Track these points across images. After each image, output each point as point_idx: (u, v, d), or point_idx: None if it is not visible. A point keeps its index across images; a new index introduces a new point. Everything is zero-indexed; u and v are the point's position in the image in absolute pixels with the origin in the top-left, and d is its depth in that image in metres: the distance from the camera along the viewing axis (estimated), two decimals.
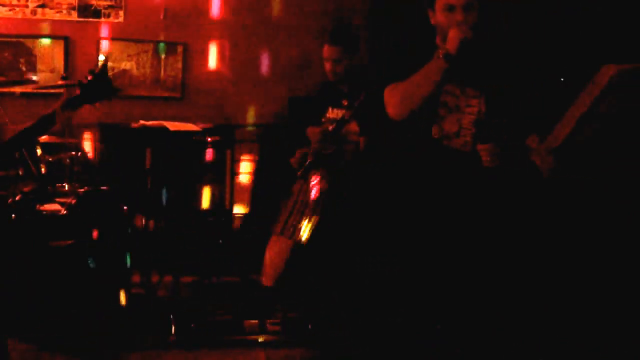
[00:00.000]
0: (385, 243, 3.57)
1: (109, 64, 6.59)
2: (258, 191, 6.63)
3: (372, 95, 3.71)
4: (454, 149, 3.32)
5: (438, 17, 3.29)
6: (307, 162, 4.89)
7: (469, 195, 3.32)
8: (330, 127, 4.78)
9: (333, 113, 4.99)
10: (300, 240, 4.83)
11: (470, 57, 3.28)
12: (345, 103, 4.67)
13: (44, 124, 3.29)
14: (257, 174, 6.69)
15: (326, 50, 4.93)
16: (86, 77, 3.40)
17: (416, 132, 3.40)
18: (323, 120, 5.02)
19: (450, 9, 3.25)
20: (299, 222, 4.88)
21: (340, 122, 4.73)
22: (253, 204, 6.63)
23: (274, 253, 4.97)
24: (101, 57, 6.57)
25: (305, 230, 4.84)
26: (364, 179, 4.46)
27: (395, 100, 3.37)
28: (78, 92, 3.41)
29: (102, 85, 3.44)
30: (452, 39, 3.14)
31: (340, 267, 4.33)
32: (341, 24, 5.53)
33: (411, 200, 3.46)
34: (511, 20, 5.03)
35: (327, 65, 4.93)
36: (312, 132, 4.97)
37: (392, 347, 3.51)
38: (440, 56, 3.18)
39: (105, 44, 6.61)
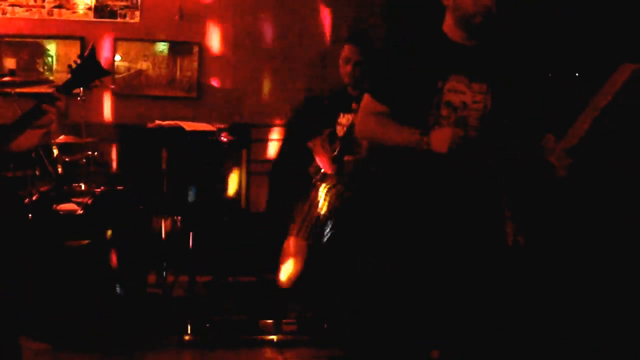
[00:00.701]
0: (389, 243, 3.56)
1: (126, 64, 6.60)
2: (274, 191, 6.63)
3: None
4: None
5: None
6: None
7: (472, 190, 3.30)
8: (335, 152, 4.85)
9: (344, 118, 5.03)
10: (317, 243, 4.84)
11: (479, 55, 3.27)
12: (355, 107, 4.67)
13: (37, 111, 3.35)
14: (273, 173, 6.68)
15: (346, 49, 4.94)
16: (75, 62, 3.48)
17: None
18: (336, 125, 5.05)
19: None
20: (315, 225, 4.89)
21: (350, 128, 4.77)
22: (269, 204, 6.63)
23: (290, 254, 4.97)
24: (117, 58, 6.58)
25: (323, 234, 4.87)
26: (369, 181, 4.45)
27: (367, 133, 3.49)
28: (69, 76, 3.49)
29: (91, 67, 3.52)
30: (443, 141, 3.14)
31: (350, 267, 4.32)
32: (360, 28, 5.53)
33: (411, 200, 3.45)
34: (519, 18, 5.02)
35: (345, 67, 4.94)
36: (313, 145, 5.01)
37: (395, 347, 3.50)
38: (424, 145, 3.18)
39: (120, 44, 6.62)
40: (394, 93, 3.29)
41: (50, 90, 3.52)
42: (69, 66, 3.55)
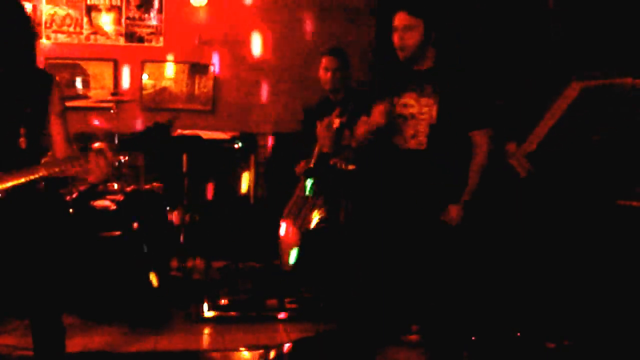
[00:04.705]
0: (364, 231, 3.62)
1: (152, 82, 6.61)
2: (275, 189, 6.64)
3: (360, 106, 3.76)
4: (411, 149, 3.36)
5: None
6: (308, 166, 4.91)
7: (424, 184, 3.36)
8: (335, 125, 4.79)
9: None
10: (305, 228, 4.84)
11: (429, 75, 3.36)
12: (337, 111, 4.66)
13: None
14: (274, 175, 6.69)
15: (325, 60, 4.92)
16: (149, 126, 3.16)
17: (382, 142, 3.46)
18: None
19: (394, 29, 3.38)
20: (299, 213, 4.90)
21: (340, 127, 4.75)
22: (273, 200, 6.64)
23: (285, 240, 4.97)
24: (144, 77, 6.59)
25: (310, 220, 4.85)
26: (353, 178, 4.48)
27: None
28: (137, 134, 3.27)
29: (159, 135, 3.19)
30: (381, 114, 3.29)
31: (341, 252, 4.33)
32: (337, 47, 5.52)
33: (379, 194, 3.51)
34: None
35: (325, 76, 4.91)
36: (320, 128, 4.98)
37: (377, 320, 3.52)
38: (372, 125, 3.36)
39: (147, 65, 6.63)
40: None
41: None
42: (147, 127, 3.22)
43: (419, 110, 3.32)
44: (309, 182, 4.87)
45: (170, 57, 6.66)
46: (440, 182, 3.36)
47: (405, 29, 3.32)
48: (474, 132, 3.36)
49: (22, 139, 2.89)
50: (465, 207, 3.36)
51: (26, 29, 2.96)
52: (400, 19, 3.34)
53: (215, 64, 6.74)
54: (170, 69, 6.69)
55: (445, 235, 3.39)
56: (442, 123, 3.30)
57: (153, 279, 4.80)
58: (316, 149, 4.72)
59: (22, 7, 2.98)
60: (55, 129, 3.03)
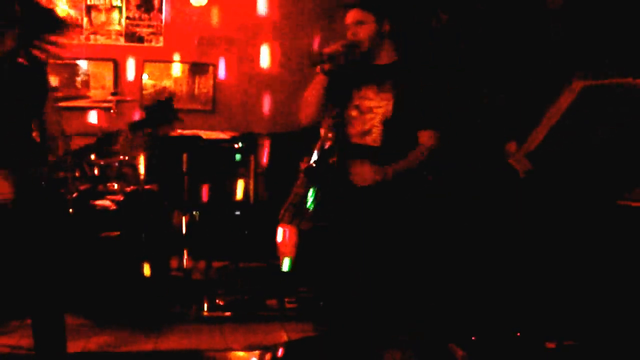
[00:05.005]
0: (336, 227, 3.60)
1: (152, 81, 6.61)
2: (276, 188, 6.64)
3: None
4: (365, 145, 3.33)
5: None
6: (309, 165, 4.91)
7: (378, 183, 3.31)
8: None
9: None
10: (299, 226, 4.84)
11: (388, 71, 3.33)
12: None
13: (109, 139, 3.25)
14: (274, 174, 6.69)
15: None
16: (152, 104, 3.31)
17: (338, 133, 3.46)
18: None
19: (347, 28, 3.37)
20: (293, 211, 4.89)
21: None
22: (273, 199, 6.64)
23: (282, 241, 4.96)
24: (144, 76, 6.59)
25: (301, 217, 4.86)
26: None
27: (299, 109, 3.45)
28: (144, 115, 3.30)
29: (165, 112, 3.33)
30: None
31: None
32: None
33: (340, 189, 3.49)
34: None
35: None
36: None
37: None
38: (319, 71, 3.29)
39: (147, 65, 6.63)
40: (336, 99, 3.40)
41: (86, 103, 3.43)
42: (145, 106, 3.32)
43: (377, 104, 3.31)
44: (311, 192, 4.88)
45: (170, 57, 6.66)
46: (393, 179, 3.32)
47: (356, 25, 3.32)
48: (420, 131, 3.32)
49: (35, 133, 3.11)
50: (379, 176, 3.23)
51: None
52: (351, 16, 3.35)
53: (217, 64, 6.74)
54: (170, 69, 6.68)
55: (401, 234, 3.36)
56: (396, 119, 3.28)
57: (153, 278, 4.81)
58: (317, 146, 4.73)
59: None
60: (52, 119, 3.23)
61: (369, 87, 3.34)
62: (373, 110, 3.32)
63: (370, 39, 3.32)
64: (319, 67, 3.31)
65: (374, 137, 3.32)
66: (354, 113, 3.37)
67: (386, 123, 3.29)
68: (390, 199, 3.31)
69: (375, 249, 3.32)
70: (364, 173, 3.24)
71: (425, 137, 3.31)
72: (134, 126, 3.33)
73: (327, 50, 3.29)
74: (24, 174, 3.02)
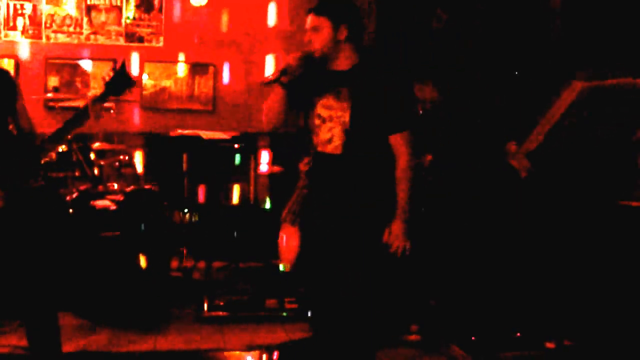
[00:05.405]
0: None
1: (152, 81, 6.61)
2: (277, 188, 6.64)
3: None
4: (328, 154, 3.26)
5: None
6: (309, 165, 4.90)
7: (339, 190, 3.27)
8: None
9: None
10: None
11: (347, 80, 3.23)
12: None
13: (79, 118, 3.40)
14: (274, 174, 6.69)
15: None
16: (108, 74, 3.46)
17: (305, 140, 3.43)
18: None
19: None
20: (295, 212, 4.88)
21: None
22: (273, 199, 6.64)
23: (285, 240, 4.95)
24: (144, 77, 6.59)
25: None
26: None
27: (264, 115, 3.42)
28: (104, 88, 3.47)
29: (122, 79, 3.48)
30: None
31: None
32: None
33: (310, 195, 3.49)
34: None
35: None
36: None
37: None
38: (278, 83, 3.23)
39: (147, 66, 6.63)
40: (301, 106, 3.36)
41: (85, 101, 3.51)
42: (104, 78, 3.52)
43: (336, 112, 3.21)
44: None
45: (170, 57, 6.66)
46: (357, 188, 3.22)
47: (313, 30, 3.23)
48: (391, 136, 3.19)
49: (11, 127, 3.36)
50: (404, 224, 3.16)
51: None
52: (308, 21, 3.27)
53: (217, 64, 6.74)
54: (170, 69, 6.68)
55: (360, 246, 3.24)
56: (356, 128, 3.18)
57: (153, 279, 4.80)
58: None
59: None
60: (24, 116, 3.45)
61: (329, 94, 3.25)
62: (333, 118, 3.23)
63: (326, 45, 3.22)
64: (275, 84, 3.24)
65: (336, 145, 3.23)
66: (316, 121, 3.28)
67: (346, 132, 3.20)
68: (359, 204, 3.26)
69: (346, 253, 3.25)
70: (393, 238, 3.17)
71: (398, 142, 3.18)
72: (98, 99, 3.47)
73: (280, 67, 3.25)
74: (10, 175, 3.08)
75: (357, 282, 3.21)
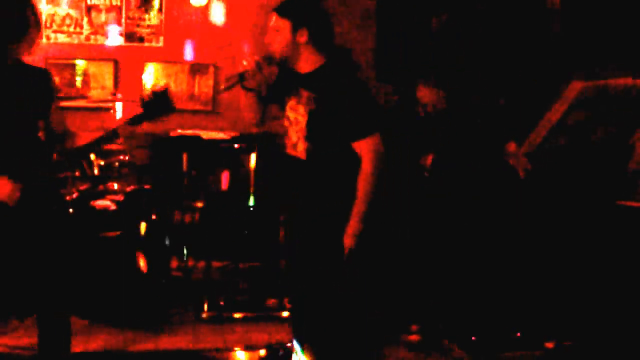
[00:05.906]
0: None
1: (152, 82, 6.61)
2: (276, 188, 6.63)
3: None
4: (295, 157, 3.20)
5: None
6: None
7: (305, 194, 3.23)
8: None
9: None
10: None
11: (307, 83, 3.16)
12: None
13: (110, 136, 3.28)
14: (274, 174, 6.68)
15: None
16: (149, 95, 3.27)
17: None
18: None
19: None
20: None
21: None
22: (272, 200, 6.63)
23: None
24: (144, 77, 6.59)
25: None
26: None
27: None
28: (141, 110, 3.27)
29: (162, 103, 3.30)
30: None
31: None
32: None
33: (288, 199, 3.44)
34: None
35: None
36: None
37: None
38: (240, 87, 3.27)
39: (147, 66, 6.63)
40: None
41: (90, 103, 3.46)
42: (142, 99, 3.31)
43: (297, 117, 3.16)
44: None
45: (170, 57, 6.66)
46: (320, 195, 3.15)
47: (273, 31, 3.15)
48: (354, 143, 3.07)
49: (41, 133, 3.16)
50: (358, 224, 3.04)
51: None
52: (270, 20, 3.19)
53: (217, 64, 6.73)
54: (170, 69, 6.68)
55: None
56: (315, 135, 3.11)
57: (153, 278, 4.80)
58: None
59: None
60: (57, 119, 3.25)
61: (293, 96, 3.19)
62: (298, 122, 3.17)
63: (285, 48, 3.14)
64: (234, 87, 3.25)
65: (300, 150, 3.17)
66: (286, 122, 3.24)
67: (306, 138, 3.13)
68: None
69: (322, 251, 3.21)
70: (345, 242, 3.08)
71: (362, 148, 3.06)
72: (133, 121, 3.27)
73: (238, 70, 3.21)
74: (27, 173, 3.04)
75: (324, 285, 3.19)
